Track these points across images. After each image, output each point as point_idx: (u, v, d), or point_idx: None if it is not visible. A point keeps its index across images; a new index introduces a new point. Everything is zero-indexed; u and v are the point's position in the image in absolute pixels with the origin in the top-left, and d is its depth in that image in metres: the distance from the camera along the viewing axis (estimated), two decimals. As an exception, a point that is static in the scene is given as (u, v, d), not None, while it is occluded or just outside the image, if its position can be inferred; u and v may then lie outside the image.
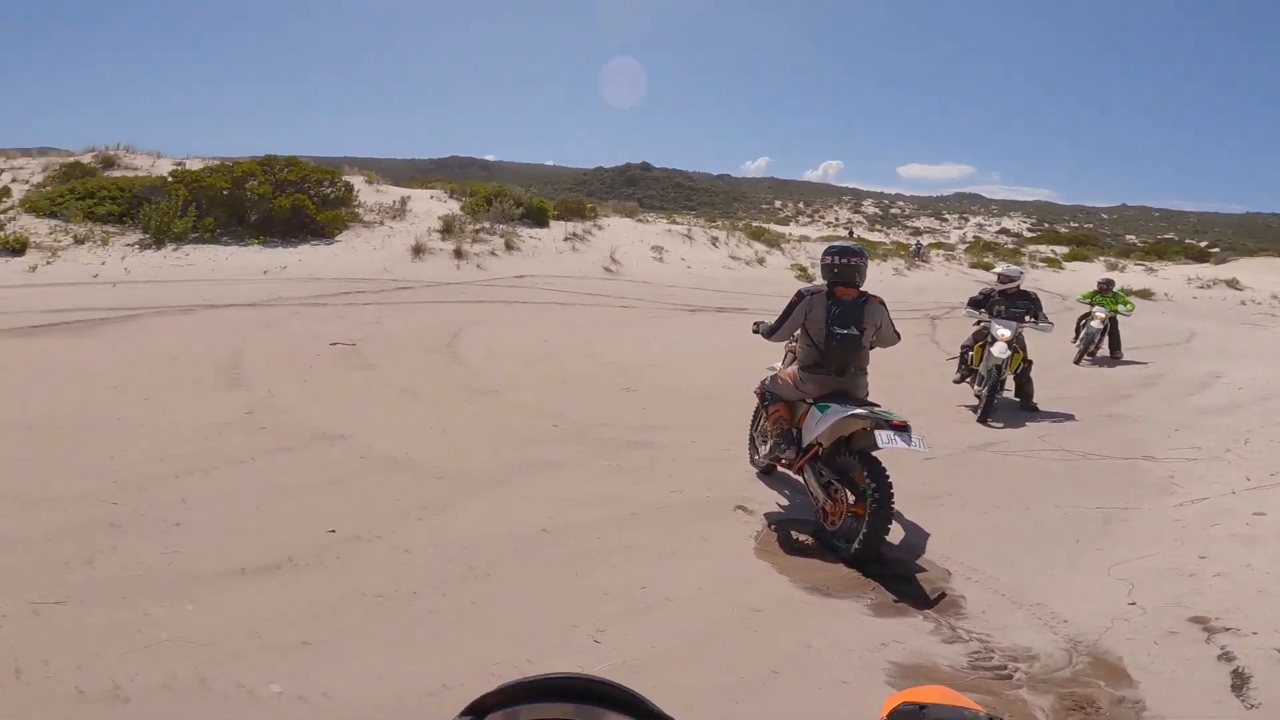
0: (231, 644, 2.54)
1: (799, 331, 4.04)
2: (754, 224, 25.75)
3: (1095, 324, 9.75)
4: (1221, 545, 3.91)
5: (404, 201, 15.90)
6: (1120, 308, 10.05)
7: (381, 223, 14.67)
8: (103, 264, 10.49)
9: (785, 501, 4.36)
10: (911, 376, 7.92)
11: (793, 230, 29.05)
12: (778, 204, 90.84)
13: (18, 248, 10.51)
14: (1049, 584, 3.47)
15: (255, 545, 3.26)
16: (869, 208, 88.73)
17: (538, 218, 16.55)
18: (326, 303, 9.51)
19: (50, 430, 4.45)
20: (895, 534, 3.87)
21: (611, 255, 15.34)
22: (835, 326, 3.81)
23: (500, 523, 3.73)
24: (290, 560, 3.14)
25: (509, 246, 14.52)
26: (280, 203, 13.04)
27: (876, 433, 3.53)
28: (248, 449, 4.39)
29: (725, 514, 4.10)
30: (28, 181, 14.21)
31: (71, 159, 15.52)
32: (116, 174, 14.59)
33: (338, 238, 13.49)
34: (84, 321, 7.47)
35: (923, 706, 0.97)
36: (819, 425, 3.76)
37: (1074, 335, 10.04)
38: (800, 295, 3.97)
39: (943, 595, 3.33)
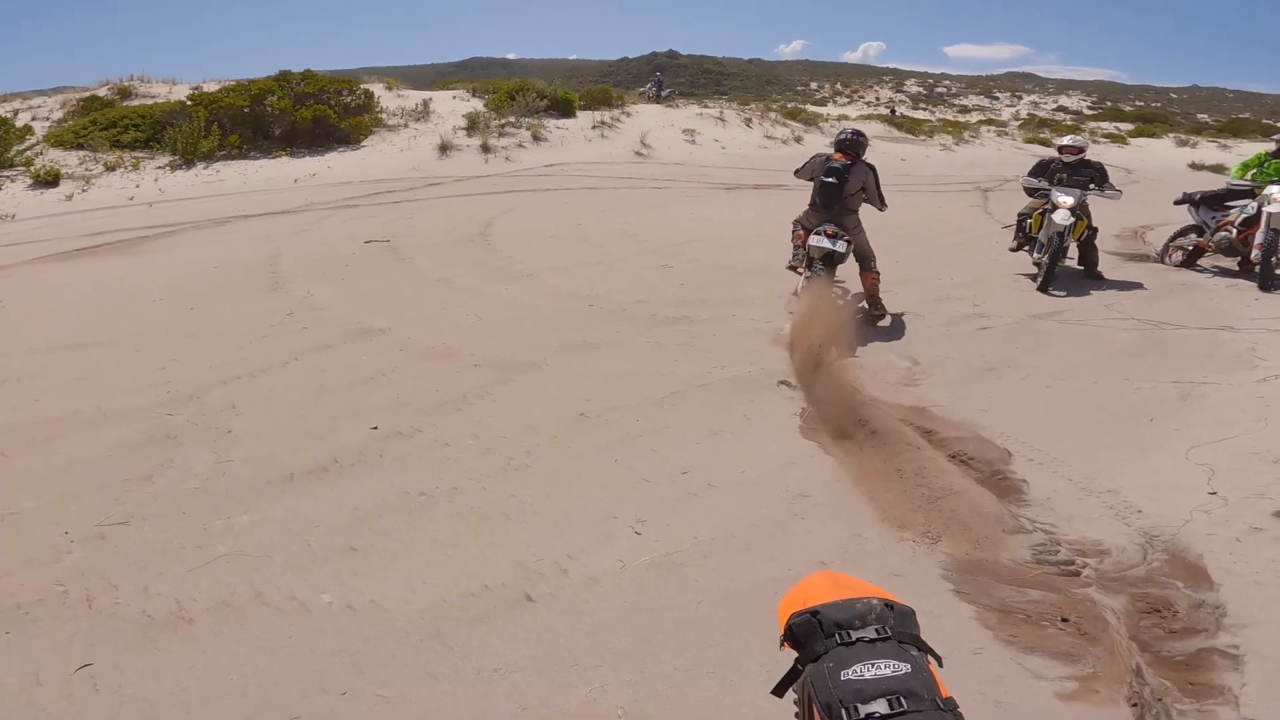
0: (284, 555, 2.53)
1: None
2: (789, 105, 24.31)
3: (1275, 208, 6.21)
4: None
5: (426, 104, 15.52)
6: None
7: (406, 125, 14.41)
8: (137, 187, 10.52)
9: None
10: (962, 248, 7.49)
11: (830, 111, 27.31)
12: (814, 86, 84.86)
13: (51, 180, 10.59)
14: (1121, 468, 3.16)
15: (302, 448, 3.27)
16: (912, 87, 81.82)
17: (564, 109, 16.13)
18: (358, 204, 9.40)
19: (102, 347, 4.52)
20: (949, 408, 3.70)
21: (642, 140, 14.89)
22: (823, 176, 5.05)
23: (538, 409, 3.66)
24: (335, 462, 3.14)
25: (536, 138, 14.20)
26: (302, 115, 13.02)
27: (811, 237, 4.91)
28: (290, 349, 4.42)
29: (768, 390, 3.98)
30: (48, 119, 14.13)
31: (88, 93, 15.36)
32: (135, 103, 14.45)
33: (364, 143, 13.33)
34: (125, 241, 7.55)
35: (814, 612, 0.87)
36: (810, 242, 5.02)
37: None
38: (818, 154, 5.30)
39: (1002, 479, 3.08)
